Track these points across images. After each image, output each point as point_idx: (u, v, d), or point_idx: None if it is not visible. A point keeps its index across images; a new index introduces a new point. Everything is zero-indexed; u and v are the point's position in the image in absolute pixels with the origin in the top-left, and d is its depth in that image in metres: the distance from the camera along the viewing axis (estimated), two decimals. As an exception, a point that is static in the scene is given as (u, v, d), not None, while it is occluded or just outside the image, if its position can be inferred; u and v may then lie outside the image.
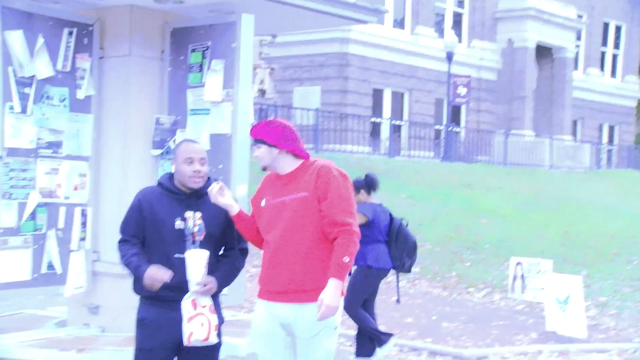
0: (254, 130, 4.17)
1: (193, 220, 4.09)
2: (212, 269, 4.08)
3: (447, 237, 14.53)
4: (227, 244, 4.25)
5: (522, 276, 10.51)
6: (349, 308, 6.74)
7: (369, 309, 7.16)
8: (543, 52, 31.47)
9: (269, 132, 4.12)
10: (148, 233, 4.10)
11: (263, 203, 4.14)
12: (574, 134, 34.05)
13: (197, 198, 4.13)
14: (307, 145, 20.84)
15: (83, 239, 5.94)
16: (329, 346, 4.04)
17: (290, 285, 4.00)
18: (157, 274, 3.97)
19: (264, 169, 4.19)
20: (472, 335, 8.64)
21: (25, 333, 5.83)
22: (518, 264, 10.66)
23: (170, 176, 4.19)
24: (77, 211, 5.90)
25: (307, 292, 3.98)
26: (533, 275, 10.34)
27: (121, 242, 4.17)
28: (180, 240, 4.06)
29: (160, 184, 4.21)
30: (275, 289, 4.04)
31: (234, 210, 4.16)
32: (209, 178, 4.21)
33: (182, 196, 4.12)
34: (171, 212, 4.08)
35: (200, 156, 4.11)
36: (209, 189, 4.10)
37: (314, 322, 3.95)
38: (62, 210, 5.84)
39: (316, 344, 4.00)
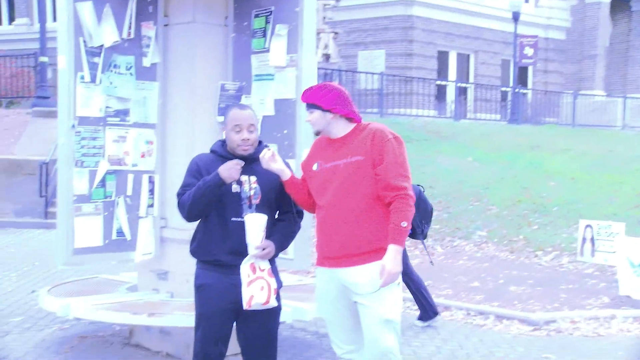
0: (306, 95, 4.15)
1: (249, 184, 4.10)
2: (269, 233, 4.10)
3: (514, 200, 14.31)
4: (283, 207, 4.27)
5: (592, 239, 10.34)
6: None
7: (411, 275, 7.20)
8: (619, 6, 30.44)
9: (323, 96, 4.09)
10: None
11: (315, 167, 4.14)
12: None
13: (251, 162, 4.14)
14: (372, 109, 20.77)
15: (151, 205, 6.04)
16: (393, 299, 4.03)
17: (345, 250, 4.00)
18: (229, 164, 3.98)
19: (317, 133, 4.18)
20: (540, 299, 8.52)
21: (99, 296, 5.98)
22: (587, 226, 10.48)
23: (223, 142, 4.21)
24: (145, 178, 6.00)
25: (364, 254, 3.99)
26: (604, 238, 10.16)
27: (181, 194, 4.16)
28: (237, 204, 4.08)
29: (213, 150, 4.23)
30: (332, 254, 4.06)
31: (285, 175, 4.17)
32: (260, 142, 4.22)
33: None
34: None
35: (248, 123, 4.10)
36: (261, 155, 4.11)
37: (373, 280, 3.95)
38: (130, 178, 5.95)
39: (381, 298, 3.99)
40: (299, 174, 4.40)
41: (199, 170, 4.15)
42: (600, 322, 7.81)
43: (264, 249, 4.04)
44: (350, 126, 4.13)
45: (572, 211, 13.75)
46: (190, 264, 5.75)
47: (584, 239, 10.58)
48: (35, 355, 6.00)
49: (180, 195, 4.17)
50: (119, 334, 6.63)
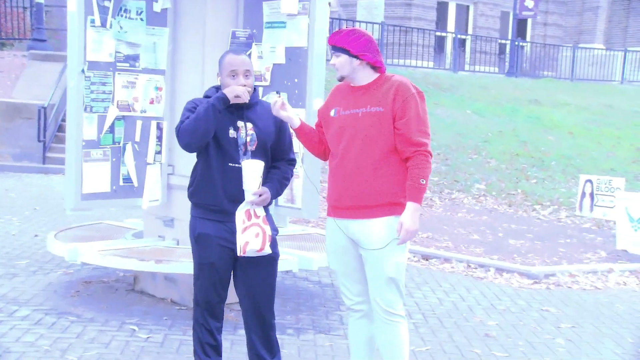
0: (335, 38, 4.04)
1: (245, 130, 4.08)
2: (264, 180, 4.10)
3: (513, 153, 14.37)
4: (277, 155, 4.25)
5: (592, 194, 10.40)
6: None
7: None
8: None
9: (352, 41, 4.01)
10: None
11: (333, 113, 4.08)
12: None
13: (246, 108, 4.12)
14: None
15: (159, 152, 6.01)
16: (398, 259, 4.03)
17: (357, 201, 3.97)
18: (233, 85, 3.97)
19: (341, 79, 4.10)
20: (539, 253, 8.61)
21: (105, 242, 6.00)
22: (587, 181, 10.54)
23: (217, 88, 4.16)
24: (153, 125, 5.96)
25: (375, 207, 3.97)
26: (603, 193, 10.22)
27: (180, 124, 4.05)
28: (234, 149, 4.05)
29: (207, 96, 4.16)
30: (344, 205, 4.02)
31: (295, 123, 4.15)
32: (255, 88, 4.19)
33: (232, 107, 4.07)
34: (223, 121, 4.04)
35: (244, 68, 4.06)
36: (272, 103, 4.08)
37: (383, 235, 3.96)
38: (139, 124, 5.91)
39: (386, 256, 3.98)
40: (309, 123, 4.39)
41: (196, 107, 4.07)
42: (598, 275, 7.92)
43: (260, 195, 4.04)
44: (374, 75, 4.06)
45: (570, 166, 13.83)
46: (197, 212, 5.80)
47: (583, 194, 10.65)
48: (44, 298, 6.04)
49: (178, 127, 4.06)
50: (123, 280, 6.68)
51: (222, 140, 4.05)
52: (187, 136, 4.00)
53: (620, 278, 7.92)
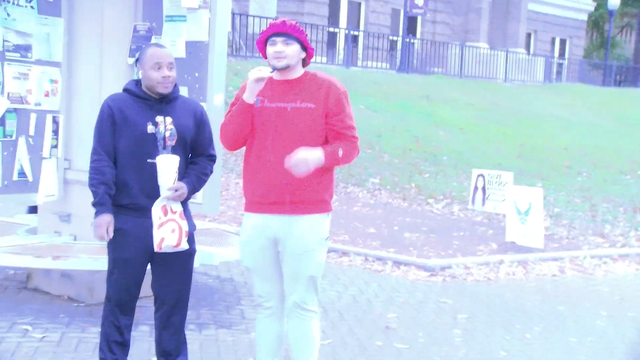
0: (287, 26, 3.93)
1: (164, 125, 4.03)
2: (182, 176, 4.06)
3: (406, 148, 14.66)
4: (197, 150, 4.21)
5: (484, 188, 10.71)
6: None
7: None
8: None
9: (302, 32, 3.96)
10: (119, 138, 4.01)
11: (257, 103, 3.97)
12: (528, 47, 34.20)
13: (166, 103, 4.07)
14: (265, 53, 20.59)
15: (55, 146, 5.84)
16: (320, 259, 4.06)
17: (286, 196, 3.95)
18: (103, 223, 3.97)
19: (283, 68, 3.94)
20: (434, 246, 8.83)
21: (-3, 239, 5.79)
22: (479, 175, 10.84)
23: (137, 82, 4.11)
24: (49, 118, 5.78)
25: (304, 203, 3.96)
26: (494, 187, 10.55)
27: (94, 156, 4.04)
28: (153, 145, 4.00)
29: (127, 90, 4.11)
30: (269, 200, 3.98)
31: (252, 98, 3.96)
32: (175, 84, 4.14)
33: (151, 101, 4.05)
34: (142, 117, 4.00)
35: (168, 60, 4.02)
36: (259, 75, 3.89)
37: (307, 235, 3.97)
38: (33, 117, 5.71)
39: (309, 257, 4.00)
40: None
41: (110, 112, 4.01)
42: (490, 267, 8.20)
43: (176, 191, 3.99)
44: (302, 71, 4.04)
45: (462, 161, 14.23)
46: (94, 207, 5.66)
47: (475, 188, 10.94)
48: None
49: (93, 157, 4.03)
50: (14, 278, 6.45)
51: (138, 139, 3.98)
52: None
53: (510, 269, 8.22)
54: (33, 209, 7.12)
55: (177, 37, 5.65)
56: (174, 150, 4.04)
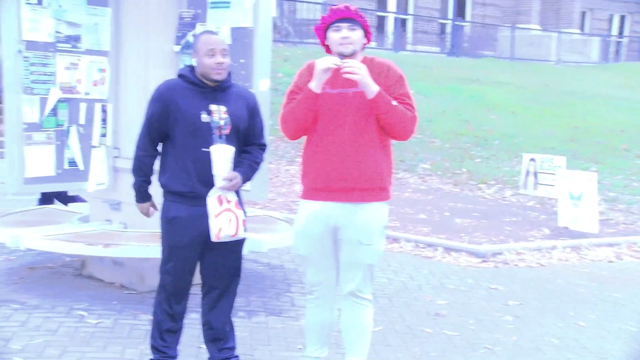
0: (351, 11, 3.90)
1: (219, 114, 4.01)
2: (234, 164, 4.05)
3: (457, 133, 14.50)
4: (249, 139, 4.20)
5: (535, 172, 10.55)
6: None
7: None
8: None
9: (364, 17, 3.94)
10: (174, 127, 4.01)
11: (319, 90, 3.91)
12: (582, 27, 33.47)
13: (220, 91, 4.06)
14: (313, 39, 20.55)
15: (104, 135, 5.90)
16: (379, 247, 4.05)
17: (350, 183, 3.90)
18: (142, 211, 4.31)
19: (349, 54, 3.90)
20: (486, 231, 8.72)
21: (50, 227, 5.86)
22: (531, 160, 10.68)
23: (192, 69, 4.09)
24: (98, 107, 5.84)
25: (367, 190, 3.92)
26: (546, 171, 10.38)
27: (139, 143, 4.11)
28: (207, 133, 3.98)
29: (181, 76, 4.09)
30: (333, 187, 3.93)
31: (319, 89, 3.92)
32: (229, 72, 4.13)
33: (206, 90, 4.03)
34: (196, 105, 3.99)
35: (222, 47, 4.00)
36: (324, 59, 3.87)
37: (369, 223, 3.93)
38: (83, 106, 5.78)
39: (369, 246, 3.97)
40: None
41: (162, 99, 4.02)
42: (542, 252, 8.07)
43: (230, 180, 3.98)
44: (361, 56, 3.98)
45: (513, 145, 14.03)
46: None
47: (527, 172, 10.78)
48: (-16, 287, 5.89)
49: (137, 152, 4.19)
50: (70, 265, 6.55)
51: (192, 127, 3.98)
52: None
53: (563, 254, 8.07)
54: (46, 200, 7.25)
55: (222, 23, 5.64)
56: (228, 139, 4.03)
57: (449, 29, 25.66)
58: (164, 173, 4.11)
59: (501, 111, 16.64)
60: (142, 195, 4.27)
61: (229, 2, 5.63)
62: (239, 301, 5.76)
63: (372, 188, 3.93)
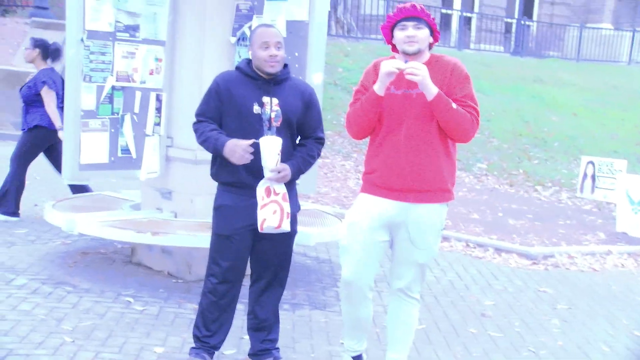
0: (417, 11, 3.90)
1: (270, 106, 4.05)
2: (288, 157, 4.08)
3: (516, 133, 14.31)
4: (305, 132, 4.22)
5: (593, 176, 10.37)
6: (16, 163, 7.59)
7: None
8: None
9: (430, 15, 3.95)
10: (226, 117, 4.08)
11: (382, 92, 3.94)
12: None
13: (274, 84, 4.10)
14: (376, 35, 20.51)
15: (157, 124, 5.98)
16: (434, 248, 4.06)
17: (411, 183, 3.90)
18: (238, 142, 3.95)
19: (414, 53, 3.91)
20: (539, 233, 8.59)
21: (103, 213, 5.98)
22: (589, 163, 10.50)
23: (249, 62, 4.14)
24: (152, 96, 5.92)
25: (427, 191, 3.92)
26: (604, 175, 10.18)
27: (197, 121, 4.16)
28: (258, 125, 4.03)
29: (238, 68, 4.17)
30: (394, 186, 3.94)
31: (383, 91, 3.93)
32: (286, 65, 4.16)
33: (260, 82, 4.08)
34: (249, 97, 4.05)
35: (276, 40, 4.04)
36: (388, 62, 3.91)
37: (426, 224, 3.94)
38: (138, 95, 5.87)
39: (424, 246, 3.99)
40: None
41: (218, 89, 4.08)
42: (596, 257, 7.92)
43: (279, 172, 4.00)
44: (428, 55, 3.99)
45: (573, 147, 13.78)
46: (194, 184, 5.78)
47: (584, 175, 10.61)
48: (41, 268, 6.04)
49: (195, 121, 4.15)
50: (121, 252, 6.67)
51: (244, 118, 4.04)
52: (199, 142, 4.17)
53: (619, 260, 7.91)
54: (76, 189, 7.40)
55: (278, 16, 5.68)
56: (279, 132, 4.06)
57: (514, 28, 25.27)
58: (214, 164, 4.19)
59: (563, 112, 16.35)
60: (222, 136, 4.03)
61: (285, -5, 5.67)
62: (284, 294, 5.75)
63: (430, 190, 3.92)
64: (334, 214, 6.73)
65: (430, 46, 4.00)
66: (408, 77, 3.77)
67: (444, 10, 24.44)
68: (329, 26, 17.33)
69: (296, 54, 5.62)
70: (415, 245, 3.98)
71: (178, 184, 6.05)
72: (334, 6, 19.10)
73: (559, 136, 14.42)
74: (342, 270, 4.20)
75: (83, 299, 5.38)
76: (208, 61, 5.77)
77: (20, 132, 7.94)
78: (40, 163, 11.12)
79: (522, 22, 24.72)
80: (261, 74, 4.08)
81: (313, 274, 6.55)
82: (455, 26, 24.14)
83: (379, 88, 3.88)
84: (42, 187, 9.35)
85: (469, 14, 25.12)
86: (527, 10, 27.89)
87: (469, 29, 24.83)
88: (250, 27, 5.81)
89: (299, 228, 5.79)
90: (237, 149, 3.93)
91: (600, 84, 20.20)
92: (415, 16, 3.88)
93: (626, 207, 8.91)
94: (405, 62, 3.85)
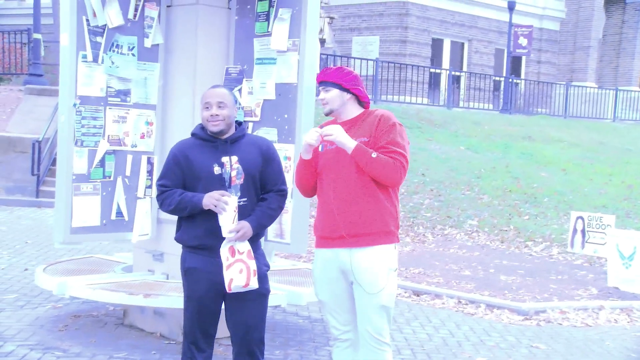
0: (325, 74, 4.20)
1: (230, 164, 4.12)
2: (249, 213, 4.13)
3: (506, 189, 14.40)
4: (266, 186, 4.27)
5: (583, 231, 10.43)
6: None
7: None
8: (613, -3, 30.51)
9: (342, 76, 4.16)
10: (189, 183, 4.15)
11: (321, 149, 4.18)
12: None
13: (232, 142, 4.17)
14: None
15: (149, 186, 6.04)
16: (389, 290, 4.10)
17: (348, 229, 4.06)
18: (212, 193, 4.02)
19: (328, 113, 4.22)
20: (530, 289, 8.60)
21: (94, 276, 5.99)
22: (579, 218, 10.57)
23: (203, 126, 4.23)
24: (144, 159, 5.99)
25: (365, 235, 4.05)
26: (594, 230, 10.24)
27: (161, 192, 4.18)
28: (220, 185, 4.09)
29: (193, 134, 4.26)
30: (335, 234, 4.10)
31: (308, 155, 4.17)
32: (240, 123, 4.27)
33: (216, 143, 4.15)
34: (208, 160, 4.12)
35: (217, 100, 4.13)
36: (309, 133, 4.08)
37: (373, 266, 4.04)
38: (129, 158, 5.94)
39: (378, 289, 4.05)
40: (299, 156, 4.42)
41: (176, 159, 4.17)
42: (588, 312, 7.91)
43: (237, 232, 4.03)
44: (360, 110, 4.22)
45: (563, 202, 13.86)
46: (187, 246, 5.79)
47: (574, 230, 10.67)
48: (30, 333, 6.02)
49: (159, 191, 4.20)
50: (113, 314, 6.66)
51: (205, 181, 4.10)
52: (164, 210, 4.24)
53: (611, 315, 7.90)
54: None
55: (267, 79, 5.78)
56: (243, 189, 4.13)
57: (502, 86, 25.61)
58: (179, 228, 4.26)
59: (552, 168, 16.49)
60: (195, 196, 4.08)
61: (274, 59, 5.78)
62: (276, 354, 5.83)
63: (370, 233, 4.06)
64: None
65: (362, 103, 4.21)
66: (325, 138, 4.04)
67: (432, 70, 24.80)
68: (318, 88, 17.55)
69: (285, 116, 5.71)
70: (366, 291, 4.06)
71: (170, 246, 6.06)
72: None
73: (548, 192, 14.51)
74: (328, 323, 4.34)
75: (74, 363, 5.36)
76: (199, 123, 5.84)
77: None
78: (31, 228, 11.17)
79: (510, 80, 25.06)
80: (216, 136, 4.15)
81: (305, 333, 6.54)
82: (444, 85, 24.46)
83: (303, 153, 4.17)
84: (33, 251, 9.35)
85: (457, 73, 25.47)
86: (514, 69, 28.33)
87: (458, 87, 25.16)
88: (240, 91, 5.93)
89: (291, 288, 5.85)
90: (214, 195, 4.00)
91: (587, 140, 20.43)
92: (322, 80, 4.21)
93: (617, 261, 8.95)
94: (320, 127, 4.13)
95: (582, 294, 8.56)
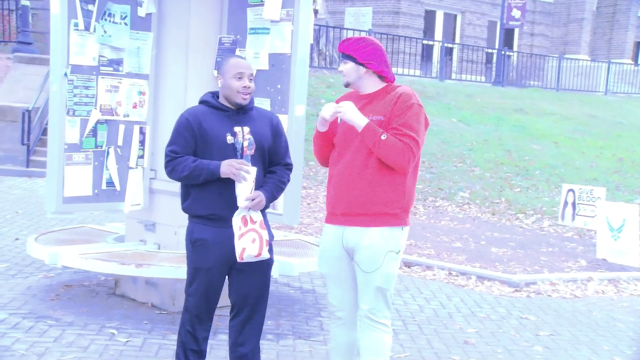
0: (344, 45, 4.12)
1: (242, 135, 4.09)
2: (260, 184, 4.12)
3: (498, 162, 14.44)
4: (274, 159, 4.27)
5: (574, 203, 10.47)
6: None
7: None
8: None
9: (359, 49, 4.07)
10: (200, 150, 4.08)
11: (340, 120, 4.12)
12: (635, 57, 33.00)
13: (243, 113, 4.15)
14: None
15: (141, 156, 6.02)
16: (388, 271, 4.05)
17: (353, 208, 4.01)
18: (231, 161, 3.97)
19: (347, 85, 4.15)
20: (521, 261, 8.66)
21: (86, 246, 5.99)
22: (570, 190, 10.61)
23: (213, 94, 4.20)
24: (136, 129, 5.97)
25: (373, 215, 3.99)
26: (585, 203, 10.29)
27: (172, 158, 4.08)
28: (232, 155, 4.06)
29: (204, 101, 4.19)
30: (342, 211, 4.05)
31: (323, 128, 4.13)
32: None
33: (229, 112, 4.12)
34: (221, 128, 4.07)
35: (250, 72, 4.11)
36: (327, 107, 4.07)
37: (376, 246, 3.99)
38: (122, 128, 5.92)
39: (376, 269, 4.02)
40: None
41: (188, 125, 4.08)
42: (577, 284, 7.97)
43: (253, 200, 4.02)
44: (381, 85, 4.11)
45: (554, 175, 13.92)
46: (178, 216, 5.78)
47: (565, 203, 10.72)
48: (22, 302, 6.02)
49: (170, 157, 4.09)
50: (105, 284, 6.67)
51: (218, 149, 4.06)
52: (174, 178, 4.13)
53: (599, 287, 7.97)
54: None
55: (260, 49, 5.75)
56: (253, 159, 4.10)
57: (495, 59, 25.56)
58: (186, 199, 4.18)
59: (544, 141, 16.53)
60: (210, 163, 4.03)
61: (268, 29, 5.73)
62: (268, 324, 5.84)
63: (375, 213, 3.99)
64: (317, 244, 6.75)
65: (382, 77, 4.10)
66: (336, 115, 4.01)
67: (425, 41, 24.73)
68: (312, 58, 17.48)
69: (279, 86, 5.68)
70: (362, 269, 4.03)
71: (162, 216, 6.08)
72: (316, 39, 19.27)
73: (540, 165, 14.56)
74: (328, 298, 4.31)
75: (65, 332, 5.37)
76: (191, 94, 5.83)
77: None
78: (22, 197, 11.14)
79: (503, 52, 25.01)
80: (229, 105, 4.13)
81: (297, 304, 6.57)
82: (436, 57, 24.40)
83: (319, 126, 4.13)
84: (24, 221, 9.33)
85: (450, 45, 25.41)
86: (507, 41, 28.24)
87: (451, 59, 25.11)
88: (221, 58, 5.89)
89: (283, 258, 5.87)
90: (233, 164, 3.96)
91: (579, 113, 20.46)
92: (341, 52, 4.16)
93: (606, 234, 9.00)
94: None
95: (572, 266, 8.63)
